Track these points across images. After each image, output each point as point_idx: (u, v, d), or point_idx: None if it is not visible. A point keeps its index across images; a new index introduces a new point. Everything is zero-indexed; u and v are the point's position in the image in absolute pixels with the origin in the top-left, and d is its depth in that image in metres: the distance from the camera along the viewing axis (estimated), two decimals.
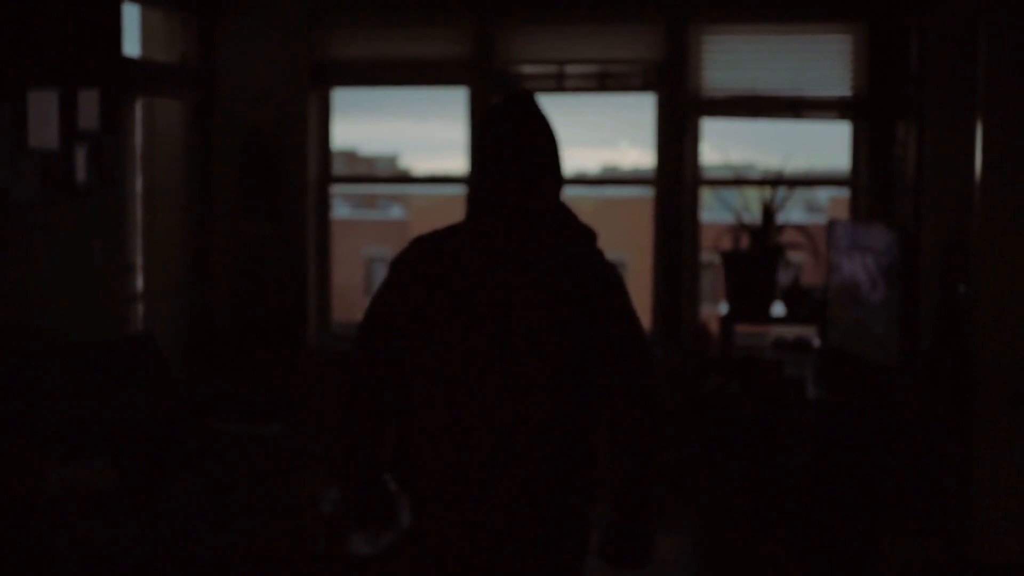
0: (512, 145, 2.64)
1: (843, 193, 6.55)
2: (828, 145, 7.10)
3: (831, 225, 5.30)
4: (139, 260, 6.19)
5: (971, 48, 4.61)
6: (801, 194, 20.35)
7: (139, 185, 6.20)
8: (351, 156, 24.76)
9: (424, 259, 2.66)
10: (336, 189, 7.25)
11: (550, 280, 2.60)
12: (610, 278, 2.68)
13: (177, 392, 5.31)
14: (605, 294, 2.65)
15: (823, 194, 21.27)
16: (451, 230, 2.71)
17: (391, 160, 26.97)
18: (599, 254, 2.73)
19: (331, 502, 4.46)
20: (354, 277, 23.05)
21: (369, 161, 25.70)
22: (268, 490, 4.69)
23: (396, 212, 25.59)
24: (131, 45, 6.44)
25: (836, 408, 4.71)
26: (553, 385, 2.59)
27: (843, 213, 7.43)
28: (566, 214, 2.74)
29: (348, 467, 2.75)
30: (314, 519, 4.39)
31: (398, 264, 2.71)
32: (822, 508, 4.85)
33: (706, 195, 6.79)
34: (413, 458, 2.68)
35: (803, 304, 5.94)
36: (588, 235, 2.75)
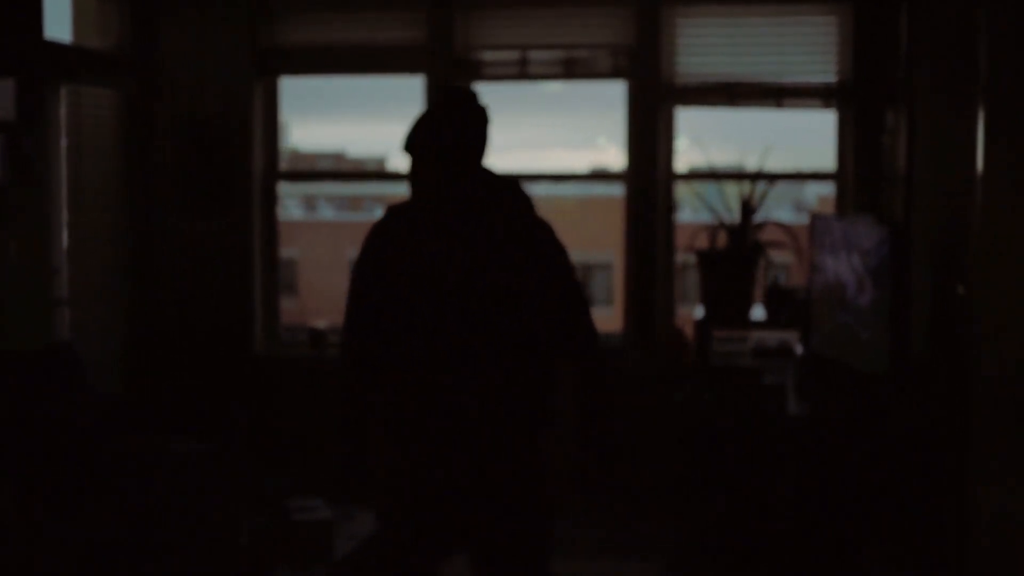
0: (452, 128, 2.99)
1: (832, 191, 6.11)
2: (811, 136, 6.65)
3: (814, 220, 4.83)
4: (64, 262, 5.69)
5: (968, 28, 4.16)
6: (788, 193, 19.93)
7: (64, 181, 5.70)
8: (338, 158, 24.42)
9: (393, 226, 3.08)
10: (285, 187, 6.79)
11: (500, 234, 2.99)
12: (548, 231, 3.06)
13: (97, 406, 4.83)
14: (545, 244, 3.03)
15: (811, 193, 20.83)
16: (416, 200, 3.06)
17: (380, 161, 26.64)
18: (534, 212, 3.09)
19: (252, 532, 3.98)
20: (340, 280, 22.57)
21: (357, 163, 25.31)
22: (187, 516, 4.21)
23: (380, 214, 25.12)
24: (62, 30, 6.02)
25: (820, 422, 4.24)
26: (508, 323, 2.96)
27: (827, 211, 7.02)
28: (503, 179, 3.08)
29: (347, 425, 3.13)
30: (234, 551, 3.92)
31: (374, 231, 3.11)
32: (805, 533, 4.38)
33: (685, 196, 6.36)
34: (389, 394, 3.04)
35: (784, 307, 5.49)
36: (527, 198, 3.09)
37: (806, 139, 6.75)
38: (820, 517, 4.29)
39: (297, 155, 21.70)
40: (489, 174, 3.06)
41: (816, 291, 4.85)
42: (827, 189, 17.48)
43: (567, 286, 3.02)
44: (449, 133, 2.97)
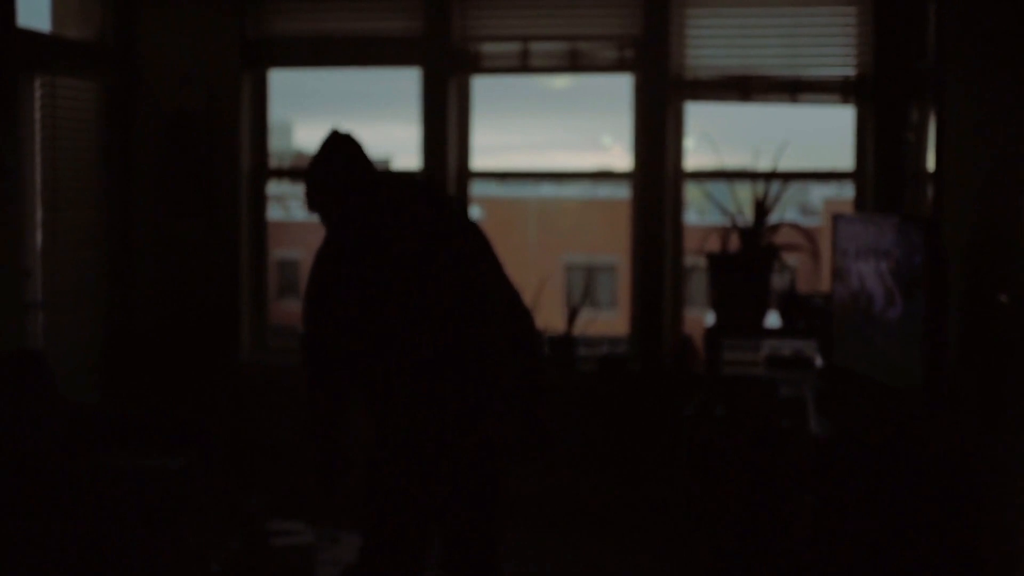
0: (336, 161, 3.31)
1: (838, 193, 5.80)
2: (827, 133, 6.33)
3: (836, 221, 4.48)
4: (38, 264, 5.38)
5: (1010, 12, 3.83)
6: (794, 195, 19.57)
7: (38, 177, 5.39)
8: None
9: (335, 256, 3.24)
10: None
11: (437, 243, 3.24)
12: (480, 234, 3.35)
13: (64, 418, 4.51)
14: (480, 247, 3.33)
15: (816, 195, 20.45)
16: (343, 231, 3.27)
17: (383, 161, 26.45)
18: (467, 215, 3.43)
19: (228, 557, 3.66)
20: None
21: None
22: (157, 539, 3.89)
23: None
24: (40, 19, 5.73)
25: (847, 442, 3.91)
26: (457, 317, 3.20)
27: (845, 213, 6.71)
28: (436, 190, 3.38)
29: (313, 439, 3.25)
30: None
31: (318, 265, 3.25)
32: (825, 567, 4.04)
33: (692, 197, 6.04)
34: (372, 389, 3.22)
35: (801, 314, 5.16)
36: (457, 203, 3.61)
37: (822, 137, 6.42)
38: (844, 547, 3.95)
39: (302, 156, 21.52)
40: (403, 183, 3.32)
41: (839, 298, 4.52)
42: (832, 191, 17.12)
43: (503, 278, 3.35)
44: (336, 166, 3.28)
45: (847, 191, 15.84)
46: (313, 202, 3.29)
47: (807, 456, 4.14)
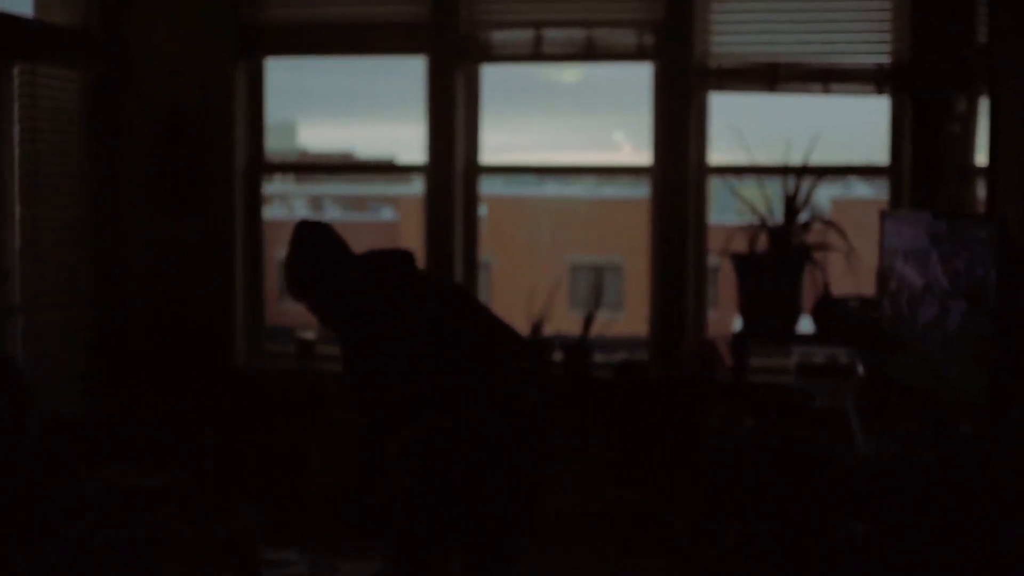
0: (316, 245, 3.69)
1: (844, 193, 5.48)
2: (859, 126, 5.99)
3: (883, 219, 4.12)
4: (16, 264, 5.04)
5: None
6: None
7: (16, 171, 5.05)
8: (347, 157, 24.24)
9: (371, 312, 3.50)
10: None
11: (435, 286, 3.75)
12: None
13: (42, 431, 4.17)
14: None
15: (823, 195, 20.08)
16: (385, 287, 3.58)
17: (387, 161, 26.29)
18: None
19: None
20: None
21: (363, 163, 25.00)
22: (135, 570, 3.55)
23: (387, 214, 24.88)
24: (23, 3, 5.42)
25: (898, 463, 3.54)
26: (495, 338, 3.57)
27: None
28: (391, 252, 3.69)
29: (365, 484, 3.47)
30: None
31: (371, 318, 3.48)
32: None
33: (719, 194, 5.74)
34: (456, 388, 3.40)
35: (836, 319, 4.79)
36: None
37: (854, 130, 6.07)
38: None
39: (306, 156, 21.43)
40: (386, 252, 3.62)
41: (887, 303, 4.15)
42: (839, 190, 16.76)
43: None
44: (318, 252, 3.61)
45: (855, 190, 15.32)
46: (302, 291, 3.58)
47: (852, 474, 3.78)
